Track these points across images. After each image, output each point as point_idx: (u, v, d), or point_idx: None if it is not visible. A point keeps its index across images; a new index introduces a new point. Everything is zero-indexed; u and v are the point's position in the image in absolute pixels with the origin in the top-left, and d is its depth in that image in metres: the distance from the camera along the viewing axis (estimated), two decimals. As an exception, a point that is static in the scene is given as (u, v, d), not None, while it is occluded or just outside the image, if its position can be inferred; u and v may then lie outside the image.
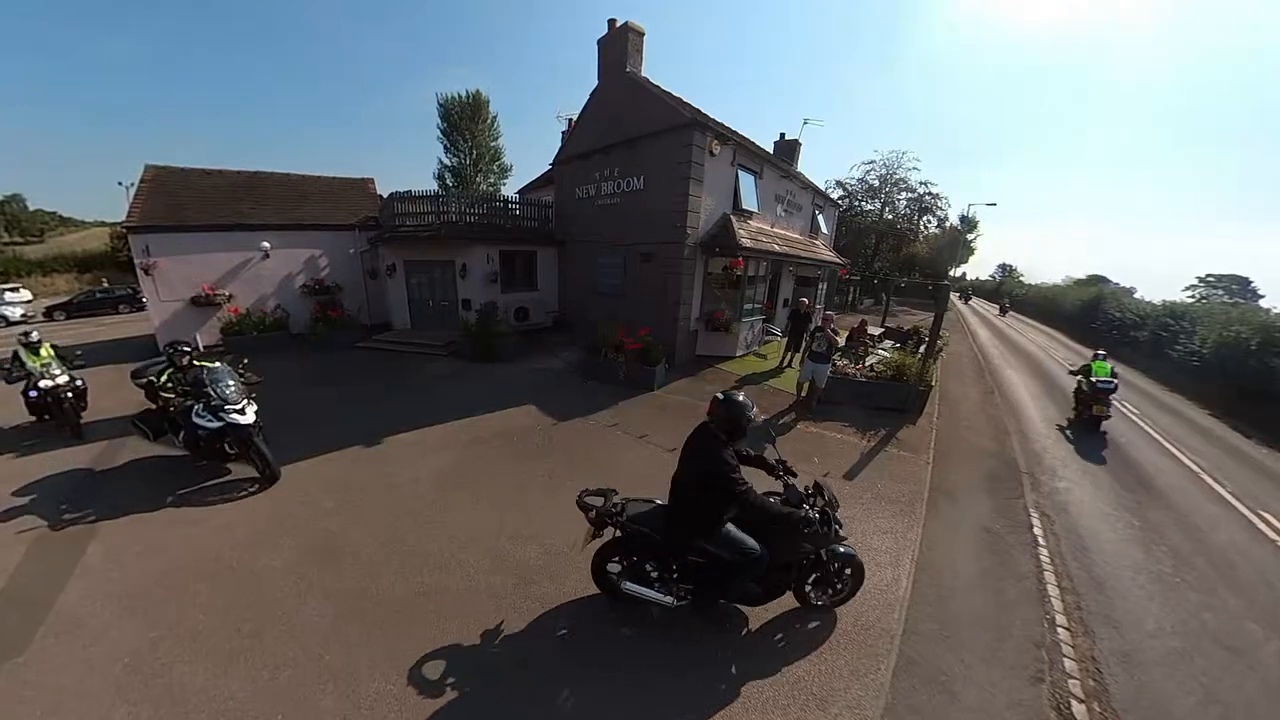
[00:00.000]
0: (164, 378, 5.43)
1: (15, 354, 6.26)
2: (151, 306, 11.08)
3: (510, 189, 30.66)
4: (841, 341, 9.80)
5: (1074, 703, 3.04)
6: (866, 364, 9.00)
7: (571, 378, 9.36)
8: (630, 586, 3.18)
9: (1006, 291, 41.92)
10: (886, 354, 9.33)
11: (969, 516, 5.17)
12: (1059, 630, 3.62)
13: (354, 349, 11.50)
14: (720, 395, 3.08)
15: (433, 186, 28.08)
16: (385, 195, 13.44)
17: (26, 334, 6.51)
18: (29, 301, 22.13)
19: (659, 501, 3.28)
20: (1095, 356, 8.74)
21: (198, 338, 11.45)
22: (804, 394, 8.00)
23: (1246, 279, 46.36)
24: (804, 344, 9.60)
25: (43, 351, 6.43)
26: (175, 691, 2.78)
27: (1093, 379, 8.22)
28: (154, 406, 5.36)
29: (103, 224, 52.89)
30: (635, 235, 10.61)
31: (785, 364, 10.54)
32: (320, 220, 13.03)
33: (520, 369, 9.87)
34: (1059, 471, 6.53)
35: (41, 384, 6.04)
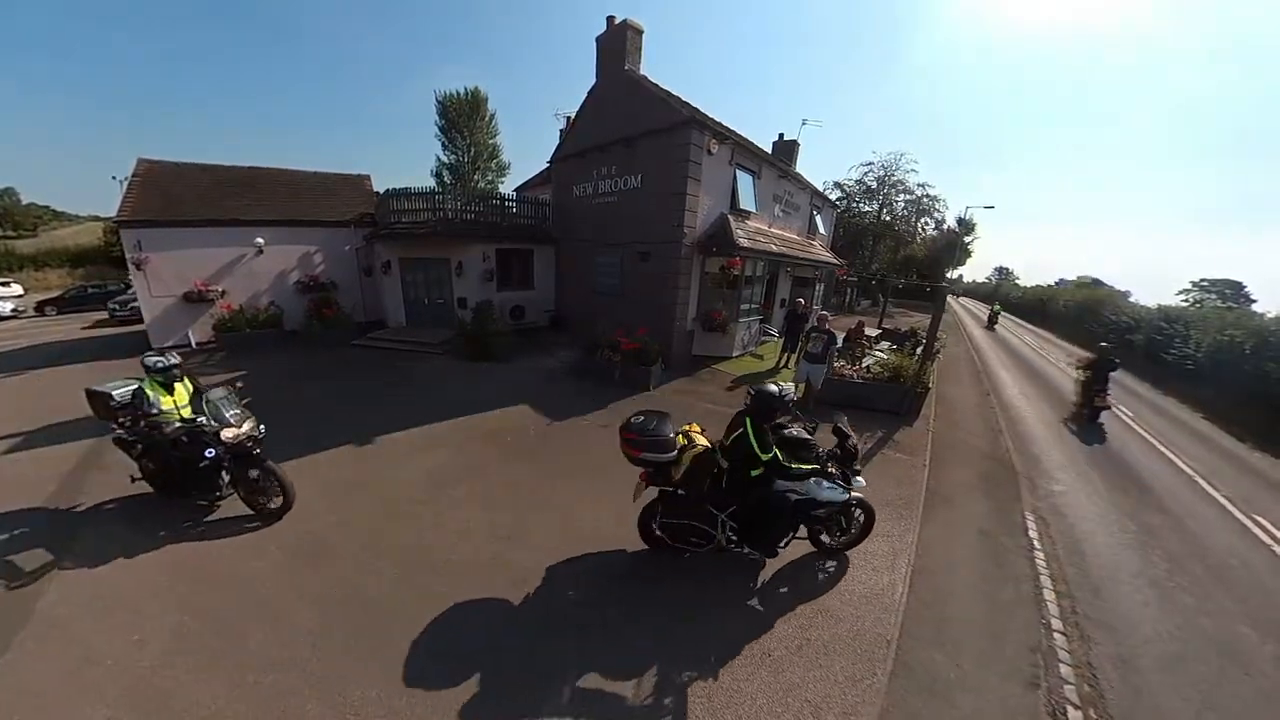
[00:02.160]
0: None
1: (137, 393, 4.24)
2: (143, 302, 10.95)
3: (508, 187, 30.63)
4: (840, 341, 9.78)
5: (1070, 709, 3.02)
6: (863, 365, 8.98)
7: (567, 377, 9.30)
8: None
9: (997, 297, 37.13)
10: (883, 355, 9.30)
11: (965, 520, 5.15)
12: (1055, 635, 3.60)
13: (348, 347, 11.41)
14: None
15: (430, 184, 27.91)
16: (381, 192, 13.34)
17: (160, 363, 4.25)
18: (20, 296, 21.88)
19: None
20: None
21: (190, 334, 11.34)
22: (799, 395, 7.95)
23: (1240, 283, 46.64)
24: (800, 344, 9.58)
25: (179, 389, 4.39)
26: (158, 696, 2.72)
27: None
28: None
29: (96, 218, 52.43)
30: (632, 234, 10.55)
31: (782, 364, 10.51)
32: (315, 216, 12.91)
33: (515, 368, 9.81)
34: (1055, 475, 6.52)
35: (226, 435, 4.13)
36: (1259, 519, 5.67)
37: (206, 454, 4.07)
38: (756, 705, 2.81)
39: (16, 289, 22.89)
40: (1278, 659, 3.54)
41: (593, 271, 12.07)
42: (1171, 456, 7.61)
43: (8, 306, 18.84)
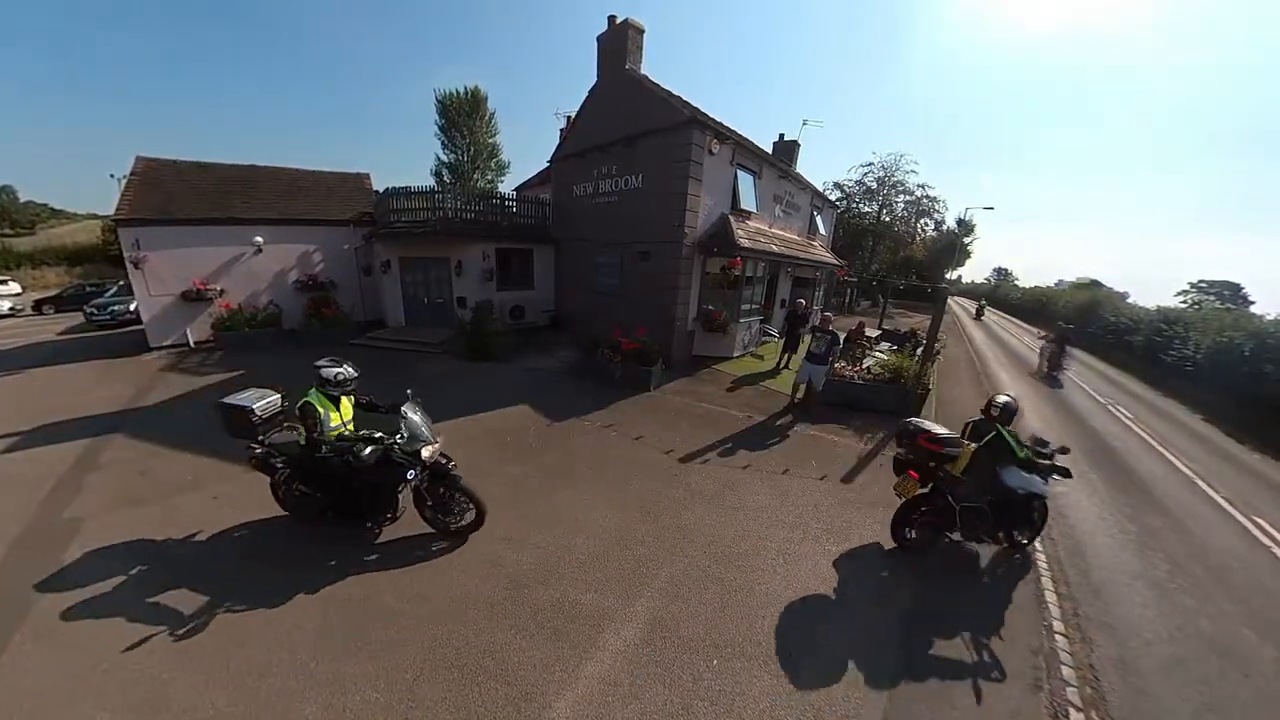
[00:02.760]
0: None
1: (305, 408, 3.70)
2: (141, 301, 10.91)
3: (508, 186, 30.58)
4: (841, 341, 9.79)
5: (1072, 711, 3.01)
6: (863, 366, 8.97)
7: (567, 377, 9.28)
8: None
9: (996, 298, 46.00)
10: (884, 356, 9.30)
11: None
12: (1057, 637, 3.59)
13: (347, 346, 11.37)
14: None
15: (430, 183, 27.86)
16: (381, 191, 13.31)
17: (341, 374, 3.85)
18: (18, 295, 21.81)
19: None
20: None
21: (188, 333, 11.31)
22: (799, 395, 7.95)
23: (1238, 285, 46.75)
24: (799, 344, 9.57)
25: (344, 403, 3.98)
26: (155, 698, 2.70)
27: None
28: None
29: (95, 217, 52.31)
30: (633, 234, 10.54)
31: (782, 365, 10.50)
32: (315, 215, 12.89)
33: (515, 368, 9.79)
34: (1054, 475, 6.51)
35: (426, 453, 3.74)
36: (1259, 520, 5.67)
37: (409, 475, 3.69)
38: (760, 708, 2.80)
39: (14, 287, 22.81)
40: (1277, 660, 3.54)
41: (593, 271, 12.06)
42: (1171, 458, 7.62)
43: (5, 305, 18.79)
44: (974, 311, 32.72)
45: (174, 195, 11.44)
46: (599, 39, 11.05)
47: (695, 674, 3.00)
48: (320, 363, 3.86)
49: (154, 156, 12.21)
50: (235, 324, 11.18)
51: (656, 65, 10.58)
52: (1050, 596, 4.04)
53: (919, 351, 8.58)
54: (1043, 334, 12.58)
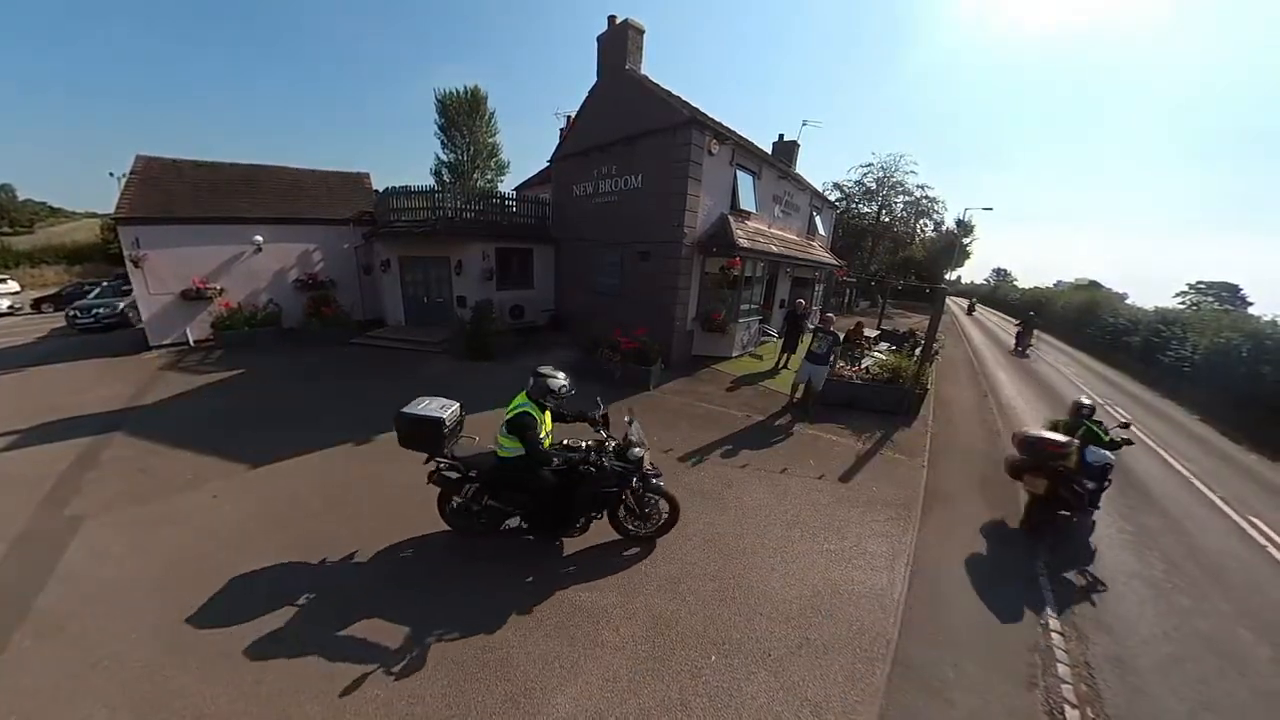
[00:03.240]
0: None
1: (523, 417, 3.48)
2: (141, 300, 10.90)
3: (508, 186, 30.56)
4: (841, 338, 9.80)
5: (1068, 709, 3.03)
6: (862, 366, 8.99)
7: (566, 377, 9.27)
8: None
9: (995, 298, 49.27)
10: (882, 356, 9.32)
11: (964, 520, 5.17)
12: (1053, 635, 3.61)
13: (347, 345, 11.39)
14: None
15: (430, 182, 27.86)
16: (381, 190, 13.31)
17: (566, 387, 3.71)
18: (16, 293, 21.78)
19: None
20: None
21: (188, 332, 11.31)
22: (798, 395, 7.96)
23: (1236, 286, 46.85)
24: (799, 344, 9.57)
25: (546, 413, 3.77)
26: (156, 695, 2.71)
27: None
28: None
29: (94, 215, 52.21)
30: (632, 234, 10.55)
31: (781, 365, 10.52)
32: (315, 215, 12.88)
33: (515, 368, 9.79)
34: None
35: (646, 459, 3.82)
36: (1255, 520, 5.70)
37: (634, 483, 3.71)
38: (757, 704, 2.81)
39: (13, 286, 22.77)
40: (1273, 660, 3.56)
41: (592, 271, 12.07)
42: (1168, 457, 7.65)
43: (4, 303, 18.76)
44: (966, 308, 37.81)
45: (174, 194, 11.43)
46: (599, 39, 11.07)
47: (694, 670, 3.01)
48: (544, 371, 3.67)
49: (154, 155, 12.21)
50: (235, 323, 11.16)
51: (656, 65, 10.62)
52: (1046, 594, 4.06)
53: (918, 352, 8.61)
54: (1017, 322, 17.52)
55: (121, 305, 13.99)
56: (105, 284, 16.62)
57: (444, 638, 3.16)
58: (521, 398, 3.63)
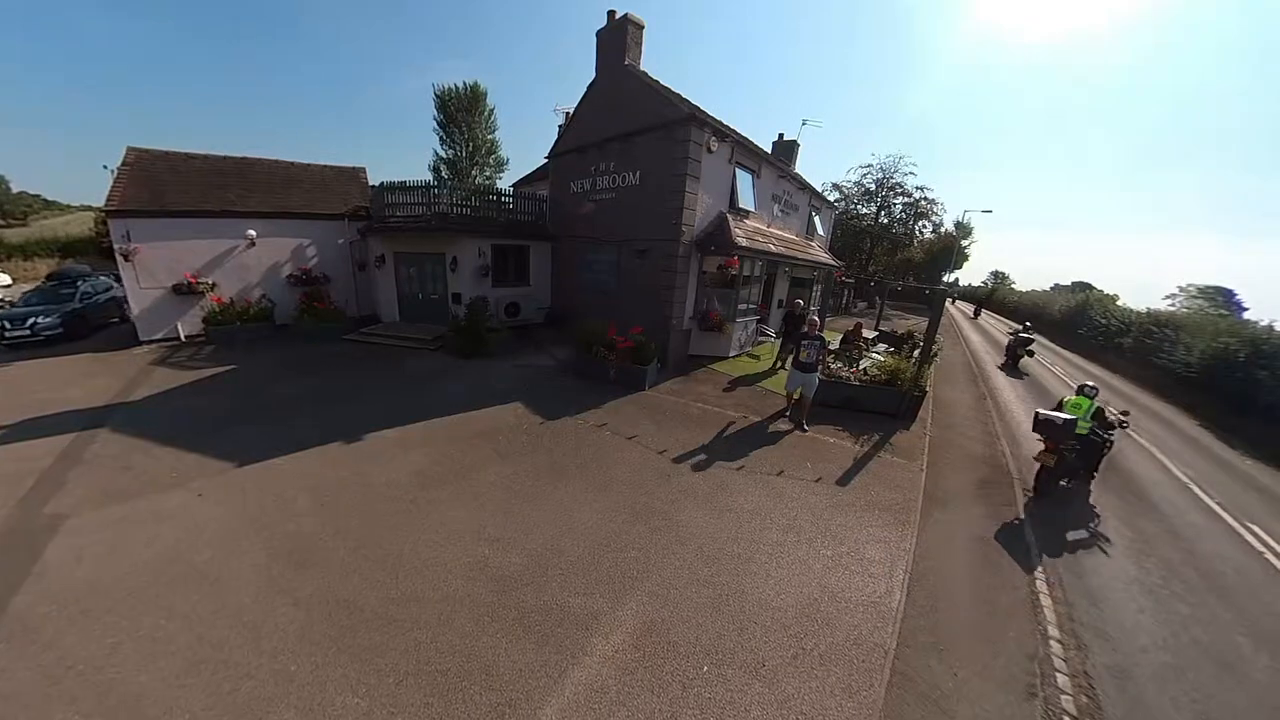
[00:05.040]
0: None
1: (1099, 413, 6.12)
2: (131, 294, 10.75)
3: (506, 183, 30.37)
4: (835, 344, 9.71)
5: (1067, 719, 2.98)
6: (860, 368, 8.92)
7: (561, 375, 9.21)
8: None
9: (994, 301, 49.29)
10: (880, 358, 9.26)
11: (962, 525, 5.11)
12: (1052, 643, 3.56)
13: (340, 341, 11.28)
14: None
15: (427, 178, 27.65)
16: (376, 185, 13.17)
17: (1097, 388, 6.54)
18: (8, 286, 21.56)
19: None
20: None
21: (179, 327, 11.16)
22: (795, 400, 7.83)
23: (1231, 291, 46.98)
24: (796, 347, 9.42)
25: None
26: (131, 702, 2.62)
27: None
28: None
29: (88, 208, 51.72)
30: (630, 231, 10.45)
31: (779, 366, 10.45)
32: (309, 209, 12.70)
33: (509, 366, 9.71)
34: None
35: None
36: (1252, 526, 5.67)
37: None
38: (751, 718, 2.74)
39: (4, 278, 22.54)
40: (1272, 668, 3.52)
41: (589, 269, 11.97)
42: (1167, 462, 7.62)
43: (-6, 296, 18.50)
44: (971, 313, 37.25)
45: (166, 186, 11.25)
46: (598, 34, 10.95)
47: (685, 681, 2.94)
48: (1091, 386, 6.18)
49: (145, 147, 12.03)
50: (227, 318, 11.02)
51: (656, 64, 10.50)
52: (1045, 601, 4.01)
53: (916, 353, 8.54)
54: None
55: (58, 317, 10.70)
56: (42, 285, 13.66)
57: (427, 643, 3.08)
58: (1079, 396, 6.08)
